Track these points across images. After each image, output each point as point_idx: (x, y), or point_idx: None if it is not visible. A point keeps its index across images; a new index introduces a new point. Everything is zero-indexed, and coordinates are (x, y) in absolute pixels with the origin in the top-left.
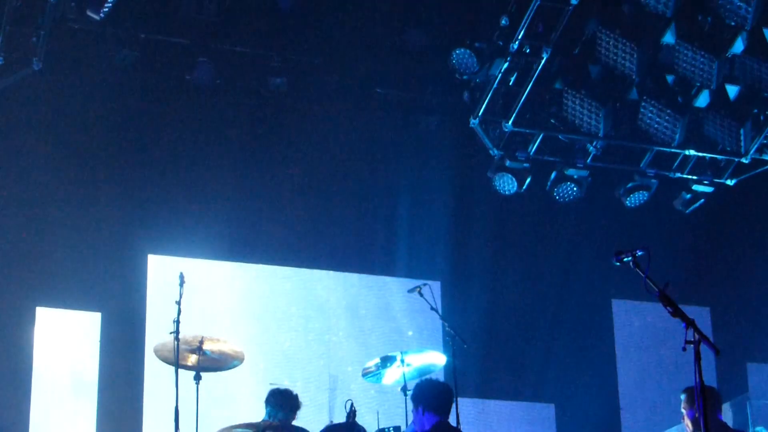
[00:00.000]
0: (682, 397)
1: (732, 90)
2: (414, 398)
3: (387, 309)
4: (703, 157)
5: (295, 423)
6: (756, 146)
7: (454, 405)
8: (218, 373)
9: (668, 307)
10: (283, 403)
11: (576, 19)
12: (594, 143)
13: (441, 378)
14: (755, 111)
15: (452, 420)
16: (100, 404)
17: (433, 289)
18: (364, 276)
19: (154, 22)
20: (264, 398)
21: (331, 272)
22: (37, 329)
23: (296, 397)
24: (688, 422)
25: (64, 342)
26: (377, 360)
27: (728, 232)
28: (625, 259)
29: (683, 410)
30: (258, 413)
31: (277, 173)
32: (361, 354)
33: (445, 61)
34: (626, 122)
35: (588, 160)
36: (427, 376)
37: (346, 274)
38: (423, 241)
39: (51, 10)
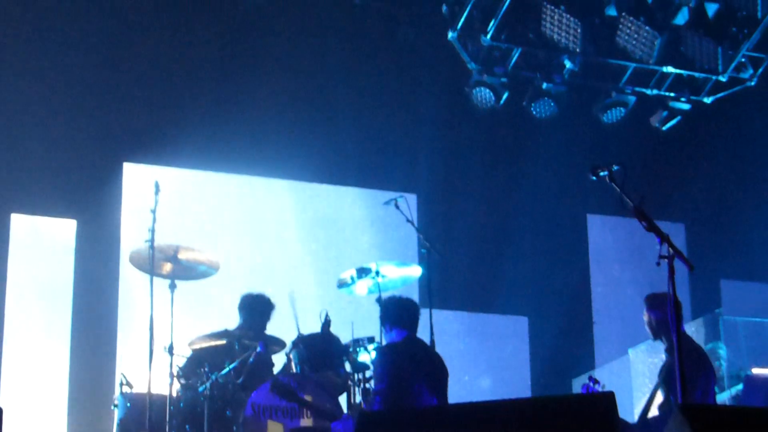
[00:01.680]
0: (644, 304)
1: (711, 8)
2: (381, 318)
3: (363, 221)
4: (681, 74)
5: (270, 333)
6: (734, 64)
7: (428, 317)
8: (193, 281)
9: (643, 222)
10: (255, 306)
11: None
12: (572, 59)
13: (416, 290)
14: (734, 29)
15: (426, 332)
16: (74, 312)
17: (410, 201)
18: (340, 188)
19: None
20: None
21: (307, 183)
22: (12, 236)
23: (269, 300)
24: (649, 327)
25: (39, 249)
26: (352, 271)
27: (704, 150)
28: (601, 174)
29: (644, 317)
30: (233, 323)
31: (254, 84)
32: (336, 265)
33: None
34: (604, 38)
35: (565, 76)
36: (390, 293)
37: (322, 185)
38: (399, 154)
39: None
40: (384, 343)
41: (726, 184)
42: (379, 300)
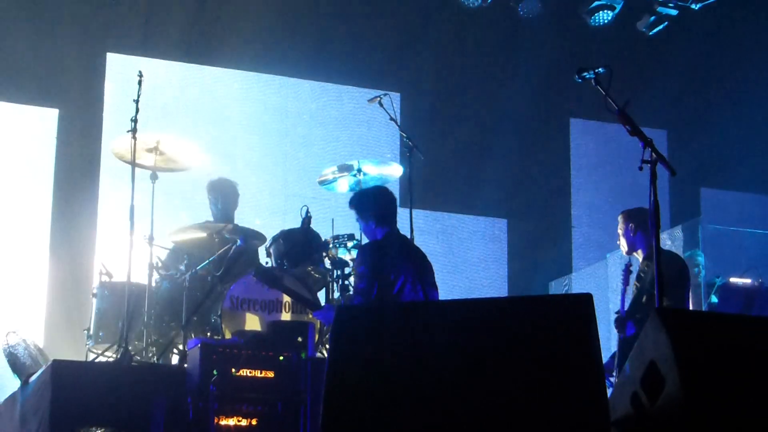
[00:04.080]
0: (619, 218)
1: None
2: (361, 211)
3: (345, 118)
4: None
5: (249, 224)
6: None
7: (409, 217)
8: (174, 173)
9: (627, 126)
10: (222, 187)
11: None
12: None
13: (397, 190)
14: None
15: (406, 231)
16: (54, 201)
17: (393, 100)
18: (324, 84)
19: None
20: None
21: (291, 79)
22: None
23: (233, 182)
24: (623, 242)
25: (21, 137)
26: (334, 168)
27: (689, 57)
28: (587, 76)
29: (619, 231)
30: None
31: None
32: (317, 161)
33: None
34: None
35: None
36: (366, 188)
37: (307, 81)
38: (385, 52)
39: None
40: (364, 239)
41: (710, 93)
42: (353, 201)
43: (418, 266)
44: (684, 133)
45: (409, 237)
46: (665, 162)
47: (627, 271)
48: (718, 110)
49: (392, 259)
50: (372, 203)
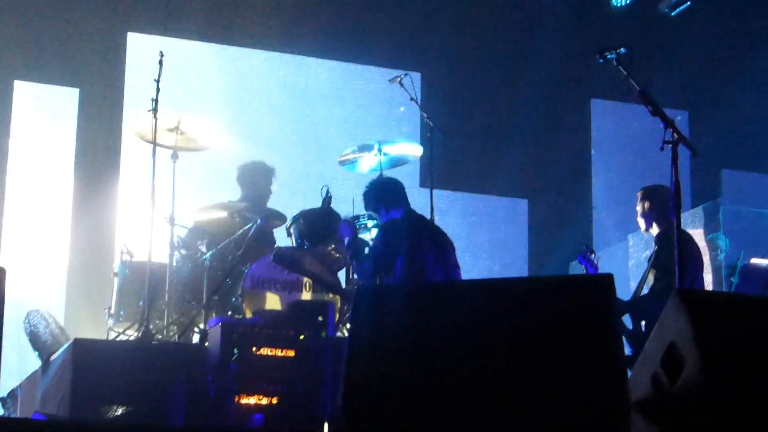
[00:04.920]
0: (638, 196)
1: None
2: (373, 204)
3: (366, 98)
4: None
5: (270, 205)
6: None
7: (429, 197)
8: (195, 153)
9: (648, 106)
10: (253, 174)
11: None
12: None
13: (417, 170)
14: None
15: (427, 210)
16: (76, 180)
17: (414, 80)
18: (344, 64)
19: None
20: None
21: (312, 58)
22: (15, 103)
23: (266, 166)
24: (641, 220)
25: (42, 117)
26: (354, 148)
27: (710, 37)
28: (609, 56)
29: (637, 209)
30: (234, 195)
31: None
32: (338, 141)
33: None
34: None
35: None
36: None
37: (327, 61)
38: (405, 31)
39: None
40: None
41: (732, 74)
42: (366, 202)
43: (440, 245)
44: (705, 114)
45: (429, 217)
46: (686, 142)
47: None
48: (740, 91)
49: (415, 236)
50: (375, 194)
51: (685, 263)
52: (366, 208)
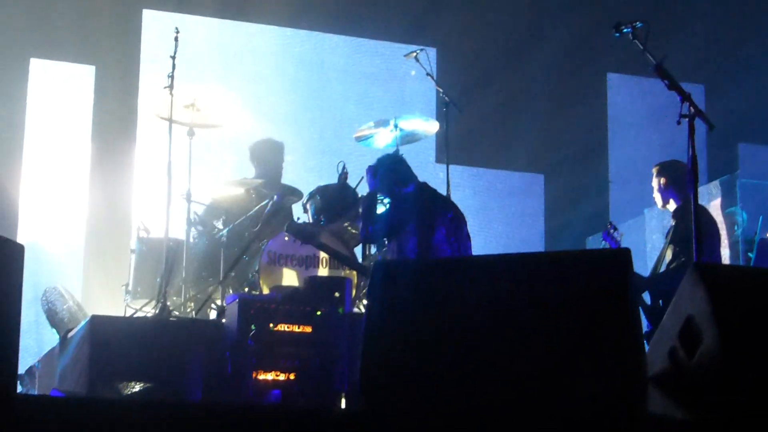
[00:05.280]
0: (653, 171)
1: None
2: (386, 189)
3: (382, 74)
4: None
5: (287, 181)
6: None
7: (445, 172)
8: (211, 129)
9: (665, 80)
10: (264, 151)
11: None
12: None
13: (433, 145)
14: None
15: (443, 186)
16: (92, 157)
17: (430, 55)
18: (360, 39)
19: None
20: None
21: (327, 34)
22: (31, 80)
23: (275, 142)
24: (657, 196)
25: (58, 94)
26: (370, 124)
27: (728, 11)
28: (625, 30)
29: (653, 184)
30: (250, 172)
31: None
32: (354, 117)
33: None
34: None
35: None
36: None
37: (343, 36)
38: (420, 6)
39: None
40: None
41: (748, 47)
42: (376, 189)
43: (452, 219)
44: (722, 88)
45: (445, 193)
46: (703, 116)
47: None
48: (757, 64)
49: (425, 212)
50: (383, 179)
51: (702, 238)
52: (380, 192)
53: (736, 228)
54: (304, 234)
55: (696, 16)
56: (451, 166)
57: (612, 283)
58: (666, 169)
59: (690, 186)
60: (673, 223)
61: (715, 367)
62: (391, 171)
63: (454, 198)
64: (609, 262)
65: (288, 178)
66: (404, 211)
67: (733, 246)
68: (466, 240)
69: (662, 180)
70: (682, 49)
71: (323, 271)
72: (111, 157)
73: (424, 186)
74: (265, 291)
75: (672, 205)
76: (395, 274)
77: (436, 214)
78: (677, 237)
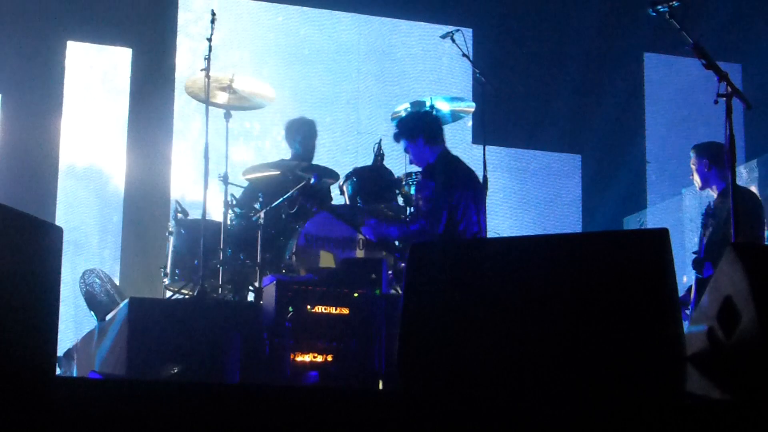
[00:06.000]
0: (692, 153)
1: None
2: (408, 132)
3: (418, 55)
4: None
5: (323, 162)
6: None
7: (482, 153)
8: (248, 111)
9: (702, 60)
10: (303, 130)
11: None
12: None
13: (469, 126)
14: None
15: (479, 167)
16: (129, 140)
17: (466, 35)
18: (396, 20)
19: None
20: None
21: (363, 15)
22: (68, 63)
23: (305, 119)
24: (696, 177)
25: (95, 77)
26: (406, 105)
27: None
28: (661, 9)
29: (692, 166)
30: (287, 153)
31: None
32: (390, 98)
33: None
34: None
35: None
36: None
37: (378, 18)
38: None
39: None
40: (410, 157)
41: None
42: (399, 127)
43: (477, 188)
44: (759, 67)
45: (482, 174)
46: (741, 95)
47: (707, 214)
48: None
49: (455, 183)
50: (417, 123)
51: (742, 218)
52: (399, 135)
53: None
54: (316, 199)
55: None
56: (487, 147)
57: (650, 263)
58: (706, 150)
59: (728, 166)
60: (718, 204)
61: (754, 346)
62: (427, 122)
63: (490, 179)
64: (647, 242)
65: (324, 159)
66: (438, 199)
67: None
68: (484, 210)
69: (704, 162)
70: (719, 28)
71: (360, 253)
72: (148, 139)
73: (448, 155)
74: (302, 273)
75: (714, 189)
76: (433, 254)
77: (464, 188)
78: (721, 218)
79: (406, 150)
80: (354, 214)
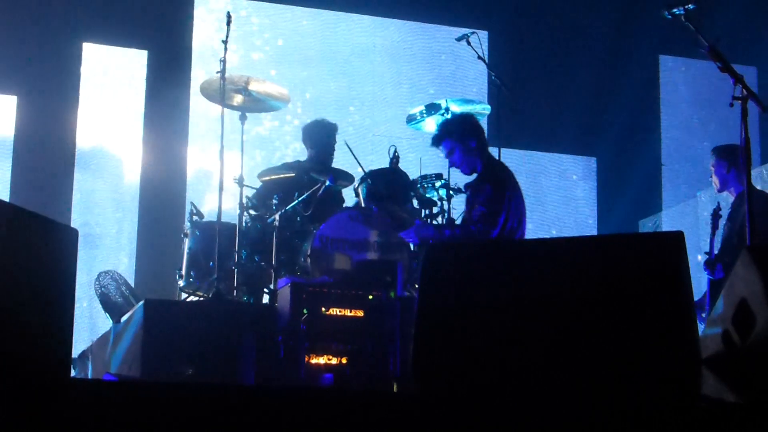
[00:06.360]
0: (712, 155)
1: None
2: (458, 134)
3: (433, 57)
4: None
5: (337, 165)
6: None
7: (497, 155)
8: (263, 114)
9: (717, 63)
10: (321, 132)
11: None
12: None
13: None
14: None
15: None
16: (144, 141)
17: (481, 38)
18: (411, 23)
19: None
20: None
21: (378, 18)
22: (84, 65)
23: (327, 123)
24: (716, 179)
25: (111, 79)
26: (421, 107)
27: None
28: (677, 12)
29: (711, 168)
30: (301, 155)
31: None
32: (405, 101)
33: None
34: None
35: None
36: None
37: (394, 20)
38: None
39: None
40: (453, 159)
41: None
42: (445, 129)
43: (521, 194)
44: None
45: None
46: (756, 98)
47: (716, 215)
48: None
49: (508, 187)
50: (467, 125)
51: (757, 220)
52: (444, 136)
53: None
54: (379, 197)
55: None
56: (503, 150)
57: (666, 266)
58: (726, 153)
59: (743, 168)
60: (736, 207)
61: None
62: (478, 128)
63: None
64: (662, 245)
65: (339, 162)
66: (495, 205)
67: None
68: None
69: (725, 164)
70: (734, 31)
71: (374, 256)
72: (163, 141)
73: (493, 161)
74: (317, 275)
75: (732, 192)
76: (448, 256)
77: (516, 196)
78: (739, 221)
79: (450, 152)
80: (408, 216)
